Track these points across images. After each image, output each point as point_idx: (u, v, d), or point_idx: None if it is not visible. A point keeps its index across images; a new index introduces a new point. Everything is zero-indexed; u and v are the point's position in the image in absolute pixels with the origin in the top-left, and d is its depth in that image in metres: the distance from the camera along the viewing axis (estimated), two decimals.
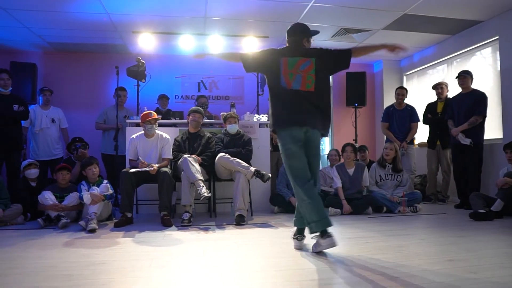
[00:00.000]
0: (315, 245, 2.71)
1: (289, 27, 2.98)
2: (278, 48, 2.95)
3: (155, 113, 4.37)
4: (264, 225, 3.91)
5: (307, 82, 2.76)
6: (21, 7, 4.83)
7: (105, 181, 4.14)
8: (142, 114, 4.34)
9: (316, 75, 2.78)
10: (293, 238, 2.93)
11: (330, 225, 2.64)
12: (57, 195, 4.03)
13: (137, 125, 4.80)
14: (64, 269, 2.38)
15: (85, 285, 2.09)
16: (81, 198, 3.90)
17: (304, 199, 2.69)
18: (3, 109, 4.63)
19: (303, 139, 2.78)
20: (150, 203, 4.61)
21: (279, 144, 2.86)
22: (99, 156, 5.40)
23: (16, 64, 6.02)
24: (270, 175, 4.17)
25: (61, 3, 4.82)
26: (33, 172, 4.38)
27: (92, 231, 3.53)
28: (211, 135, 4.65)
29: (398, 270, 2.29)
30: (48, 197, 3.93)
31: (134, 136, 4.39)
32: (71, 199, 4.01)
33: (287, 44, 2.96)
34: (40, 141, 5.28)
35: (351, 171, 4.80)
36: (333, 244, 2.61)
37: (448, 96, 5.49)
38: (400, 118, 5.71)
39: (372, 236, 3.36)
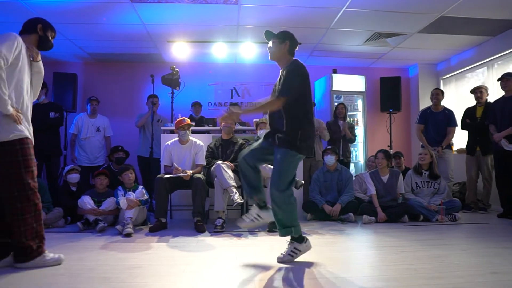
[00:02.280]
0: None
1: (291, 34, 2.86)
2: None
3: (188, 120, 4.46)
4: None
5: None
6: (64, 20, 5.10)
7: (141, 187, 4.25)
8: (176, 121, 4.44)
9: None
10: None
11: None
12: (95, 200, 4.17)
13: (172, 132, 4.91)
14: (102, 271, 2.46)
15: None
16: (117, 203, 4.02)
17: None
18: (41, 116, 4.90)
19: None
20: (184, 208, 4.68)
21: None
22: (135, 158, 5.71)
23: (58, 74, 6.34)
24: (303, 181, 4.13)
25: (100, 16, 5.02)
26: (74, 177, 4.56)
27: (128, 235, 3.62)
28: (244, 142, 4.68)
29: (439, 282, 2.21)
30: (87, 201, 4.07)
31: (169, 142, 4.48)
32: (108, 204, 4.14)
33: (285, 50, 2.83)
34: (84, 148, 5.50)
35: (385, 178, 4.69)
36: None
37: (488, 101, 5.27)
38: (436, 122, 5.48)
39: (409, 245, 3.25)
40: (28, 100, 2.65)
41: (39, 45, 2.75)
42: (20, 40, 2.53)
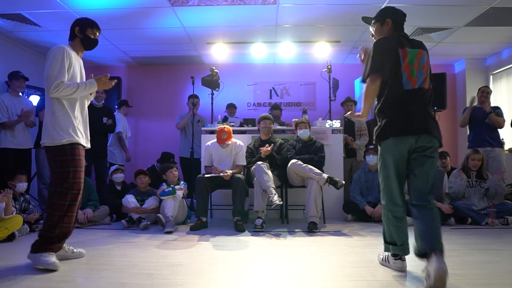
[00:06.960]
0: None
1: (390, 8, 2.60)
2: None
3: (229, 128, 4.41)
4: (337, 233, 3.81)
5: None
6: (109, 26, 5.30)
7: (182, 182, 4.38)
8: (217, 132, 4.42)
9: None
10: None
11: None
12: (138, 199, 4.32)
13: (212, 132, 4.98)
14: (146, 268, 2.54)
15: (164, 284, 2.21)
16: (163, 194, 4.11)
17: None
18: (94, 120, 5.13)
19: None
20: (224, 208, 4.74)
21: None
22: (177, 159, 5.84)
23: None
24: (343, 182, 4.06)
25: (143, 21, 5.19)
26: (119, 176, 4.74)
27: (169, 233, 3.73)
28: (283, 141, 4.66)
29: None
30: (130, 200, 4.23)
31: (209, 143, 4.55)
32: (150, 202, 4.27)
33: (388, 30, 2.55)
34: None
35: None
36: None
37: None
38: (483, 118, 5.16)
39: (455, 249, 3.10)
40: (85, 104, 2.86)
41: (84, 47, 2.84)
42: (66, 50, 2.63)
